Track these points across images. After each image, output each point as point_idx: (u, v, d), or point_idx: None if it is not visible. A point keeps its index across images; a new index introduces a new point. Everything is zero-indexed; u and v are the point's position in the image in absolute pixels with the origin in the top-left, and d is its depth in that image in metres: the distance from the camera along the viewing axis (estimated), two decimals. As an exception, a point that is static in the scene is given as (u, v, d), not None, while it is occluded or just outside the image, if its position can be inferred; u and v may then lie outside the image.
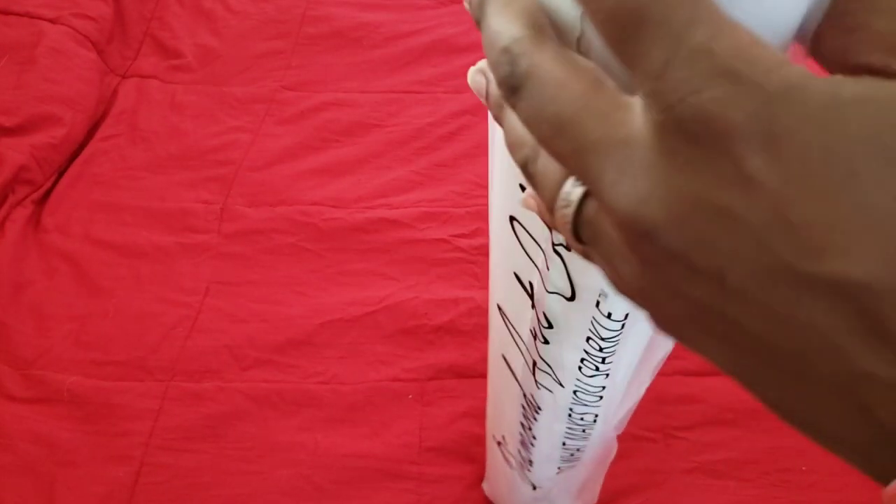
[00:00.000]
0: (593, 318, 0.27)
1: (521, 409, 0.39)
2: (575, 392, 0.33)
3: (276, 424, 0.68)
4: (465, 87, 0.97)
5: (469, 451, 0.67)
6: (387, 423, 0.68)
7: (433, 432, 0.68)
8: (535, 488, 0.48)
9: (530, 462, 0.44)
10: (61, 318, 0.76)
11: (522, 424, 0.40)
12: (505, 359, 0.38)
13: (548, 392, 0.35)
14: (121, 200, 0.88)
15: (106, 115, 0.99)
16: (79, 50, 0.99)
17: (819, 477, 0.65)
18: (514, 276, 0.30)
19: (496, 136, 0.25)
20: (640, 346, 0.30)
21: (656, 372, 0.35)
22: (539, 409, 0.37)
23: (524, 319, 0.32)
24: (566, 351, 0.30)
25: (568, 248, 0.24)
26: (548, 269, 0.26)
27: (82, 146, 0.94)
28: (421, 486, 0.64)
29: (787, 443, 0.67)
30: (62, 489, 0.64)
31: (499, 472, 0.54)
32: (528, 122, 0.15)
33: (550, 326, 0.29)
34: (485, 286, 0.80)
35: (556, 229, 0.17)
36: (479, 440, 0.67)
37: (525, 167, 0.17)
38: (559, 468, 0.44)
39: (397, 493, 0.64)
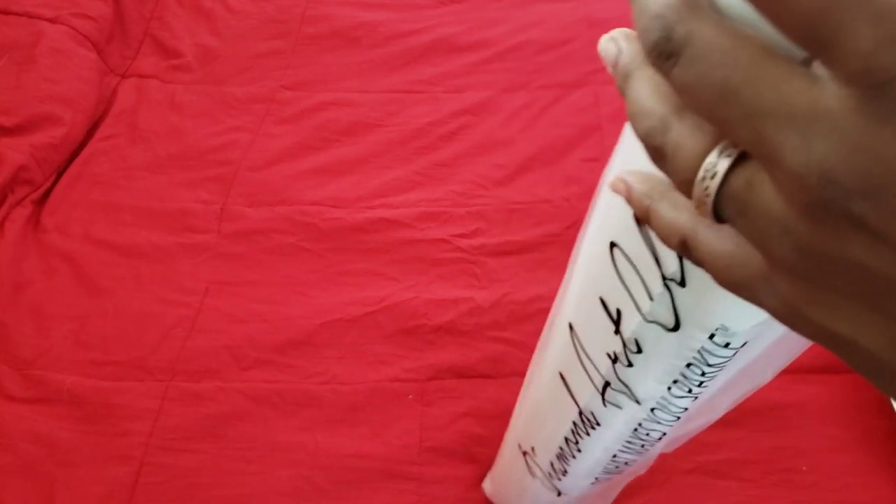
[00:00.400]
0: (702, 347, 0.26)
1: (571, 425, 0.38)
2: (653, 410, 0.33)
3: (276, 424, 0.68)
4: (465, 87, 0.98)
5: (470, 452, 0.66)
6: (387, 424, 0.68)
7: (433, 432, 0.68)
8: (559, 494, 0.47)
9: (564, 472, 0.43)
10: (61, 318, 0.76)
11: (567, 439, 0.40)
12: (562, 376, 0.37)
13: (616, 409, 0.34)
14: (120, 200, 0.88)
15: (105, 114, 0.99)
16: (78, 50, 0.99)
17: (820, 477, 0.65)
18: (599, 301, 0.29)
19: (615, 161, 0.25)
20: (737, 369, 0.30)
21: (740, 400, 0.34)
22: (597, 424, 0.36)
23: (601, 343, 0.31)
24: (653, 374, 0.30)
25: (680, 283, 0.24)
26: (650, 300, 0.26)
27: (82, 146, 0.94)
28: (421, 486, 0.64)
29: (788, 443, 0.67)
30: (62, 489, 0.64)
31: (512, 478, 0.53)
32: (688, 89, 0.15)
33: (640, 352, 0.29)
34: (484, 286, 0.80)
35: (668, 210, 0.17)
36: (480, 440, 0.67)
37: (649, 138, 0.17)
38: (596, 478, 0.43)
39: (397, 494, 0.64)
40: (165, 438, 0.67)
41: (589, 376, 0.34)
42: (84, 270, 0.81)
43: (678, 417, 0.33)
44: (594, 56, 1.07)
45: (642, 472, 0.45)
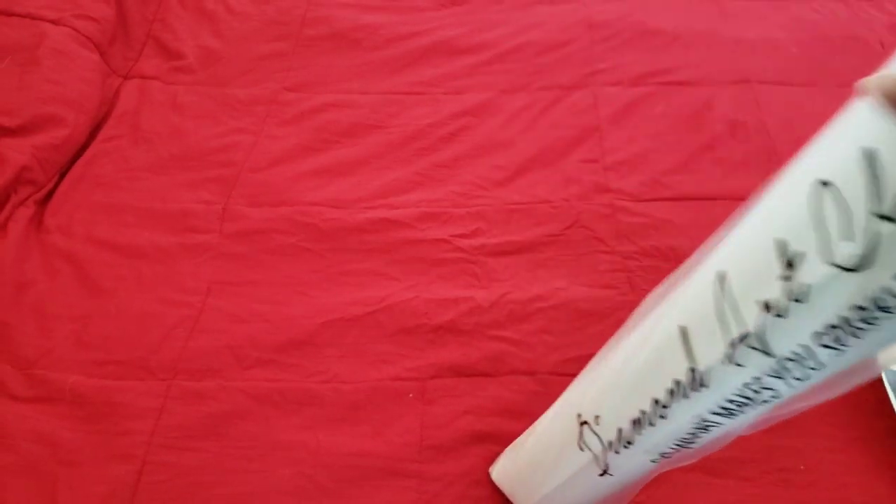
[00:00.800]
0: (882, 287, 0.27)
1: (672, 385, 0.38)
2: (787, 360, 0.33)
3: (277, 423, 0.69)
4: (466, 88, 0.99)
5: (470, 449, 0.67)
6: (388, 422, 0.69)
7: (434, 431, 0.68)
8: (603, 473, 0.47)
9: (629, 443, 0.43)
10: (63, 318, 0.76)
11: (657, 401, 0.40)
12: (685, 332, 0.37)
13: (737, 368, 0.34)
14: (123, 201, 0.89)
15: (108, 116, 0.99)
16: (81, 51, 0.99)
17: (818, 476, 0.65)
18: (774, 243, 0.30)
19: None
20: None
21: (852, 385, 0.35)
22: (704, 385, 0.36)
23: (758, 290, 0.32)
24: (810, 321, 0.30)
25: (892, 219, 0.25)
26: (851, 238, 0.27)
27: (84, 147, 0.95)
28: (422, 484, 0.65)
29: (786, 442, 0.67)
30: (64, 488, 0.64)
31: (548, 454, 0.52)
32: None
33: (799, 301, 0.30)
34: (484, 286, 0.80)
35: None
36: (480, 438, 0.67)
37: None
38: (661, 454, 0.43)
39: (399, 491, 0.64)
40: (167, 437, 0.67)
41: (724, 329, 0.34)
42: (86, 271, 0.81)
43: (801, 379, 0.33)
44: (594, 58, 1.08)
45: (694, 460, 0.45)
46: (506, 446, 0.65)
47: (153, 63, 1.07)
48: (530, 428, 0.61)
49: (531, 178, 0.92)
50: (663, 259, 0.83)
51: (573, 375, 0.73)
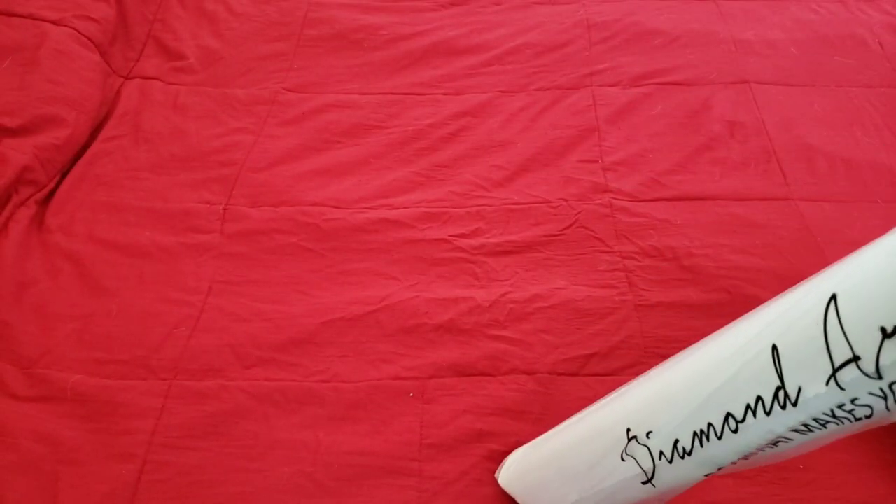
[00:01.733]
0: None
1: (752, 401, 0.38)
2: (892, 385, 0.33)
3: (278, 422, 0.69)
4: (465, 89, 1.00)
5: (470, 448, 0.67)
6: (388, 421, 0.69)
7: (434, 429, 0.68)
8: (646, 482, 0.47)
9: (687, 454, 0.43)
10: (65, 318, 0.77)
11: (730, 415, 0.39)
12: (776, 350, 0.37)
13: (836, 389, 0.34)
14: (124, 201, 0.89)
15: (109, 116, 1.00)
16: (82, 51, 0.99)
17: (817, 475, 0.65)
18: None
19: None
20: None
21: None
22: (793, 404, 0.36)
23: (880, 317, 0.32)
24: None
25: None
26: None
27: (86, 147, 0.95)
28: (422, 482, 0.65)
29: (784, 440, 0.67)
30: (65, 487, 0.64)
31: (580, 461, 0.52)
32: None
33: None
34: (484, 285, 0.81)
35: None
36: (480, 437, 0.68)
37: None
38: (719, 468, 0.43)
39: (398, 490, 0.64)
40: (168, 436, 0.68)
41: (829, 351, 0.34)
42: (88, 270, 0.81)
43: None
44: (592, 59, 1.09)
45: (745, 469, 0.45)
46: (505, 445, 0.65)
47: (154, 63, 1.08)
48: (543, 437, 0.60)
49: (530, 178, 0.93)
50: (662, 259, 0.83)
51: (572, 375, 0.73)
